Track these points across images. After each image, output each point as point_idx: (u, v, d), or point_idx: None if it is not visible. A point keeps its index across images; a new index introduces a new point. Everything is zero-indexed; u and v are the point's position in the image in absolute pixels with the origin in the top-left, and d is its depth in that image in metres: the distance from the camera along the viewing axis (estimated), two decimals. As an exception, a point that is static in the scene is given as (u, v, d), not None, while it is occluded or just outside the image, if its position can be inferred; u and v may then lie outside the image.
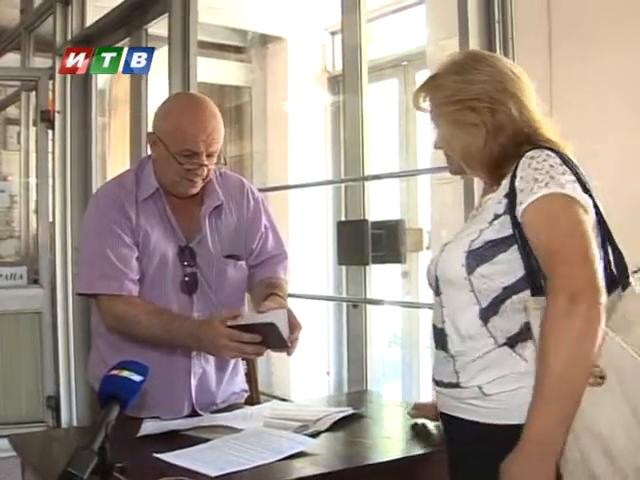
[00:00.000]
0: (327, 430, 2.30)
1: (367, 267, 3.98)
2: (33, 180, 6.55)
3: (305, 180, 5.79)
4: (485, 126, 1.81)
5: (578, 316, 1.56)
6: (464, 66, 1.86)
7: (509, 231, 1.72)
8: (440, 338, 1.83)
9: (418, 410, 2.38)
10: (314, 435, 2.23)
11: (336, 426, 2.34)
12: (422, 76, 5.15)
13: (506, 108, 1.80)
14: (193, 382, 2.53)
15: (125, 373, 1.74)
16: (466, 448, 1.81)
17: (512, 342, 1.72)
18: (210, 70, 5.89)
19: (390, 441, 2.34)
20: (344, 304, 4.49)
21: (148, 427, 2.28)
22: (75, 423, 5.79)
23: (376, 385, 4.22)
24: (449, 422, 1.86)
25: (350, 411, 2.46)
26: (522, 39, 3.03)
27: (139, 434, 2.24)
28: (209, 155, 2.47)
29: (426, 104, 1.95)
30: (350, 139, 4.06)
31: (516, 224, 1.71)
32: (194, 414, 2.52)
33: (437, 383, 1.87)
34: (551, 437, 1.58)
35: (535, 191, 1.66)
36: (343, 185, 4.54)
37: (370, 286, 3.99)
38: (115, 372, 1.75)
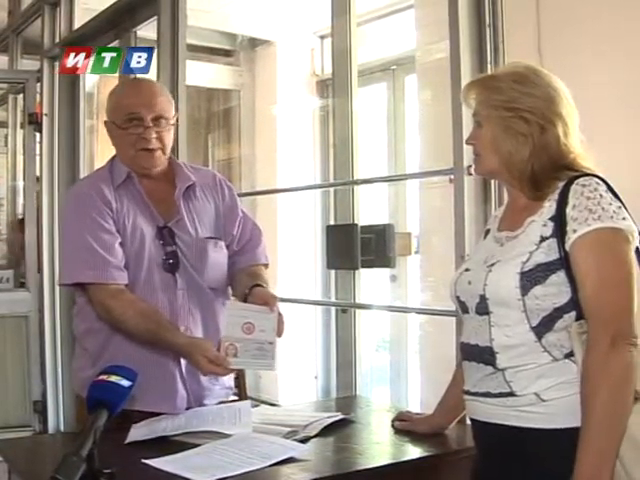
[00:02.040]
0: (317, 435, 2.29)
1: (356, 271, 3.97)
2: (20, 183, 6.53)
3: (293, 184, 5.79)
4: (532, 140, 1.85)
5: (617, 364, 1.68)
6: (525, 78, 1.90)
7: (556, 255, 1.78)
8: (484, 355, 1.85)
9: (405, 422, 2.37)
10: (304, 441, 2.22)
11: (326, 431, 2.33)
12: (411, 80, 5.16)
13: (554, 129, 1.86)
14: (183, 361, 2.51)
15: (114, 378, 1.74)
16: (518, 455, 1.82)
17: (569, 354, 1.78)
18: (199, 73, 5.87)
19: (380, 446, 2.33)
20: (332, 308, 4.48)
21: (136, 433, 2.26)
22: (62, 428, 5.76)
23: (364, 390, 4.21)
24: (495, 431, 1.85)
25: (340, 416, 2.45)
26: (511, 43, 3.04)
27: (127, 440, 2.22)
28: (155, 120, 2.54)
29: (473, 100, 1.97)
30: (340, 143, 4.06)
31: (564, 250, 1.77)
32: (188, 406, 2.52)
33: (480, 395, 1.88)
34: (601, 471, 1.66)
35: (589, 223, 1.74)
36: (332, 189, 4.53)
37: (359, 291, 3.99)
38: (103, 377, 1.74)
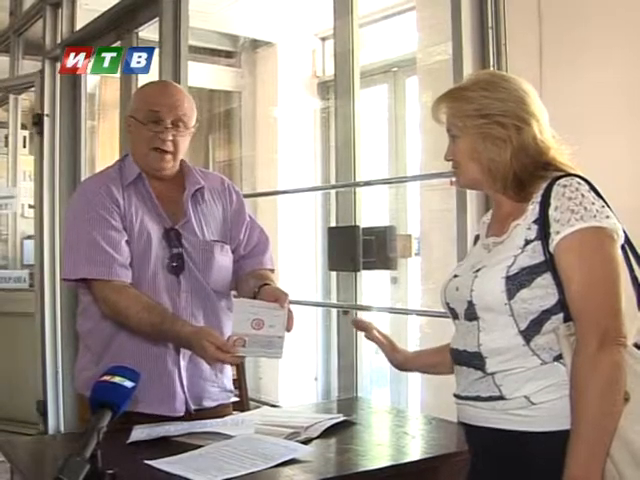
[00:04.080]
0: (318, 437, 2.29)
1: (358, 273, 3.98)
2: (21, 183, 6.55)
3: (294, 186, 5.79)
4: (511, 142, 1.84)
5: (606, 364, 1.67)
6: (492, 83, 1.89)
7: (542, 257, 1.77)
8: (473, 360, 1.85)
9: (380, 342, 2.29)
10: (305, 442, 2.22)
11: (327, 433, 2.33)
12: (412, 82, 5.17)
13: (530, 128, 1.85)
14: (183, 363, 2.52)
15: (117, 379, 1.73)
16: (509, 458, 1.81)
17: (558, 357, 1.77)
18: (200, 74, 5.88)
19: (382, 448, 2.33)
20: (333, 310, 4.47)
21: (138, 433, 2.26)
22: (62, 428, 5.76)
23: (364, 392, 4.21)
24: (486, 435, 1.85)
25: (341, 418, 2.45)
26: (513, 45, 3.04)
27: (129, 440, 2.22)
28: (174, 123, 2.55)
29: (444, 114, 1.96)
30: (342, 145, 4.06)
31: (549, 252, 1.76)
32: (187, 407, 2.52)
33: (470, 399, 1.87)
34: (591, 471, 1.66)
35: (572, 223, 1.73)
36: (334, 191, 4.53)
37: (360, 292, 3.99)
38: (107, 378, 1.74)
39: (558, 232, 1.74)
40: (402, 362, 2.25)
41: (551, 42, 3.00)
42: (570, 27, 2.97)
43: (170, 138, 2.55)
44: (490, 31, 3.00)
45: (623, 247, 1.79)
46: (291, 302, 2.41)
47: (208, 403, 2.60)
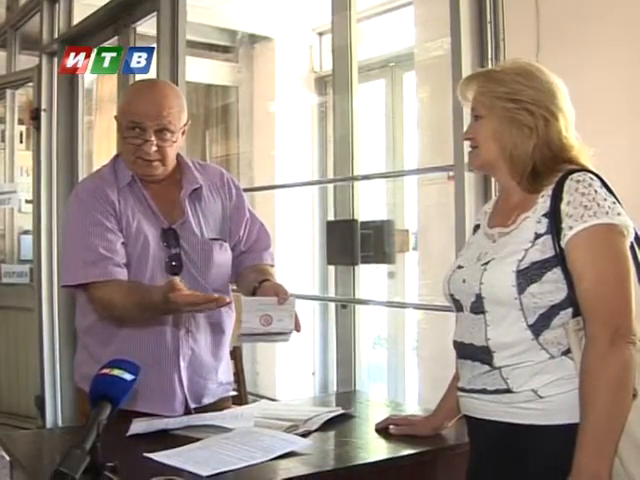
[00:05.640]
0: (317, 430, 2.29)
1: (355, 267, 3.98)
2: (18, 179, 6.55)
3: (291, 180, 5.79)
4: (537, 132, 1.84)
5: (616, 362, 1.68)
6: (528, 72, 1.89)
7: (552, 252, 1.77)
8: (479, 354, 1.85)
9: (404, 426, 2.28)
10: (304, 435, 2.22)
11: (326, 426, 2.33)
12: (410, 77, 5.17)
13: (557, 123, 1.85)
14: (183, 364, 2.52)
15: (116, 372, 1.73)
16: (515, 452, 1.81)
17: (567, 351, 1.77)
18: (197, 69, 5.87)
19: (380, 441, 2.32)
20: (331, 305, 4.47)
21: (137, 426, 2.27)
22: (60, 423, 5.77)
23: (361, 386, 4.23)
24: (491, 428, 1.85)
25: (340, 411, 2.46)
26: (511, 40, 3.05)
27: (128, 433, 2.22)
28: (159, 132, 2.48)
29: (472, 91, 1.96)
30: (340, 139, 4.07)
31: (559, 246, 1.76)
32: (187, 406, 2.52)
33: (476, 392, 1.87)
34: (600, 467, 1.66)
35: (585, 219, 1.73)
36: (331, 185, 4.54)
37: (358, 286, 4.00)
38: (106, 371, 1.73)
39: (571, 227, 1.74)
40: (444, 419, 2.23)
41: (549, 38, 3.01)
42: (568, 23, 2.98)
43: (154, 149, 2.48)
44: (489, 26, 3.01)
45: (631, 244, 1.79)
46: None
47: (208, 400, 2.60)
